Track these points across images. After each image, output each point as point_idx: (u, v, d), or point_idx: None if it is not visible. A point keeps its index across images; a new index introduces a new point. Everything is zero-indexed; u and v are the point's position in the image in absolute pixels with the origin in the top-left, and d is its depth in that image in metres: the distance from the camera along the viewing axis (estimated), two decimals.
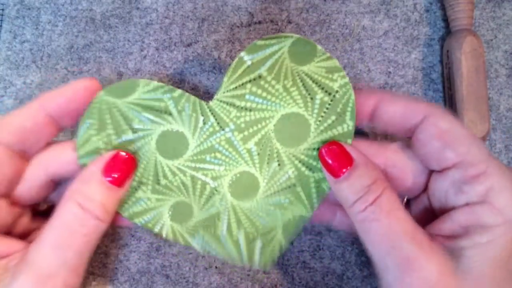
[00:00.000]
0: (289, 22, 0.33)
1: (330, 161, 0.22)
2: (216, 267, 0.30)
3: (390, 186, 0.22)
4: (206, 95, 0.33)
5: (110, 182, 0.22)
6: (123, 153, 0.23)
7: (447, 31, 0.33)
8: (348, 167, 0.22)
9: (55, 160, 0.23)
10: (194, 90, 0.33)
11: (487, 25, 0.34)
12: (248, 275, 0.30)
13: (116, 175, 0.22)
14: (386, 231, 0.20)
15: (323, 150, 0.23)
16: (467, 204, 0.21)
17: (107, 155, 0.22)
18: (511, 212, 0.20)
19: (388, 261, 0.20)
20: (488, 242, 0.20)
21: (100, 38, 0.33)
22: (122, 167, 0.23)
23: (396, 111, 0.23)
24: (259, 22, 0.33)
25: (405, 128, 0.23)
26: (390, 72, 0.33)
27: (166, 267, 0.30)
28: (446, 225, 0.21)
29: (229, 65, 0.23)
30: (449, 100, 0.32)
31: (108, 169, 0.22)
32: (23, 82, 0.33)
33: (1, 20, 0.34)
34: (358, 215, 0.21)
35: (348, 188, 0.22)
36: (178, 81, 0.33)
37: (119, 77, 0.33)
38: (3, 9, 0.34)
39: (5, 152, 0.22)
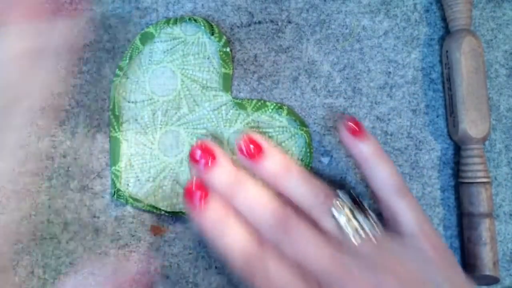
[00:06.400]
0: (289, 22, 0.33)
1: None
2: (216, 267, 0.30)
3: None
4: None
5: None
6: None
7: (447, 31, 0.33)
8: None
9: None
10: None
11: (487, 25, 0.34)
12: None
13: None
14: None
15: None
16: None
17: None
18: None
19: None
20: None
21: (100, 38, 0.33)
22: None
23: None
24: (259, 22, 0.33)
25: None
26: (390, 72, 0.33)
27: (166, 267, 0.30)
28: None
29: None
30: (449, 100, 0.32)
31: None
32: None
33: None
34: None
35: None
36: None
37: None
38: None
39: None
